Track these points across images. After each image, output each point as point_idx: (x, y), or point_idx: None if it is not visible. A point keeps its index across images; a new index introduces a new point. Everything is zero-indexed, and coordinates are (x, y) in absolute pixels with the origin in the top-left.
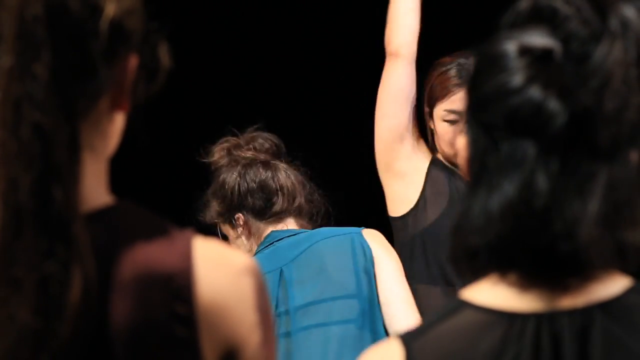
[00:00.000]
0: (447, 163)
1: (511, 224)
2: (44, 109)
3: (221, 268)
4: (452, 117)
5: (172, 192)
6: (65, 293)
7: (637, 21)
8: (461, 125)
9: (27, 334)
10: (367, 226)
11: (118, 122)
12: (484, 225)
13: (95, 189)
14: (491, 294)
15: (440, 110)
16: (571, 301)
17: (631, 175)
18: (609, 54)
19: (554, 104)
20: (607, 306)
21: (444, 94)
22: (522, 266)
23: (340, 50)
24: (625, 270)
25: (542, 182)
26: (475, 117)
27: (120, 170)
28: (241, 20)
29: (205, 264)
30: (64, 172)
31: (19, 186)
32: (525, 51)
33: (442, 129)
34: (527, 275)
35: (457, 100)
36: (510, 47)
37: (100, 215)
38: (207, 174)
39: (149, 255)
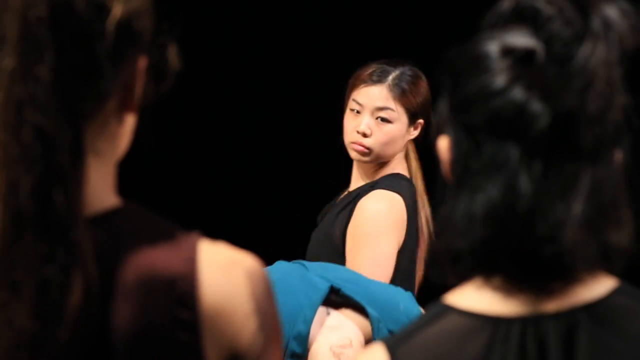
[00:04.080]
0: None
1: (495, 227)
2: (46, 111)
3: (226, 272)
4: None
5: (179, 194)
6: (65, 297)
7: (619, 21)
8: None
9: (26, 338)
10: None
11: (127, 125)
12: (467, 228)
13: (100, 192)
14: (475, 298)
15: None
16: (556, 304)
17: (615, 175)
18: (592, 54)
19: (536, 106)
20: (592, 308)
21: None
22: (506, 270)
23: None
24: (610, 271)
25: (525, 184)
26: (457, 119)
27: (127, 172)
28: (248, 22)
29: (210, 269)
30: (66, 175)
31: (20, 189)
32: (507, 52)
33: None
34: (511, 279)
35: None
36: (492, 47)
37: (105, 218)
38: (214, 175)
39: (152, 259)
